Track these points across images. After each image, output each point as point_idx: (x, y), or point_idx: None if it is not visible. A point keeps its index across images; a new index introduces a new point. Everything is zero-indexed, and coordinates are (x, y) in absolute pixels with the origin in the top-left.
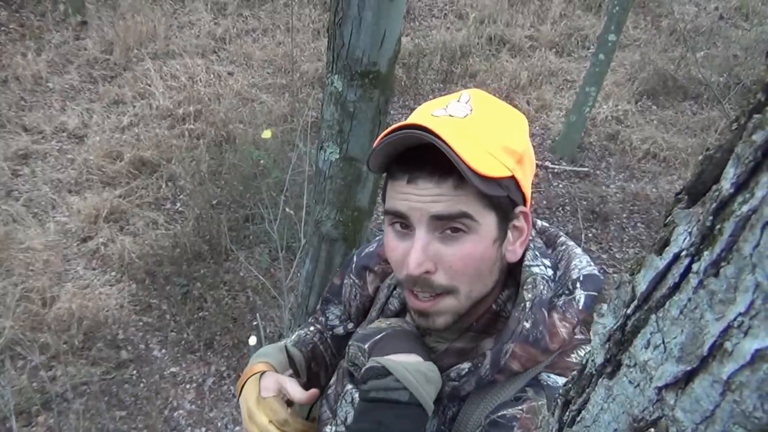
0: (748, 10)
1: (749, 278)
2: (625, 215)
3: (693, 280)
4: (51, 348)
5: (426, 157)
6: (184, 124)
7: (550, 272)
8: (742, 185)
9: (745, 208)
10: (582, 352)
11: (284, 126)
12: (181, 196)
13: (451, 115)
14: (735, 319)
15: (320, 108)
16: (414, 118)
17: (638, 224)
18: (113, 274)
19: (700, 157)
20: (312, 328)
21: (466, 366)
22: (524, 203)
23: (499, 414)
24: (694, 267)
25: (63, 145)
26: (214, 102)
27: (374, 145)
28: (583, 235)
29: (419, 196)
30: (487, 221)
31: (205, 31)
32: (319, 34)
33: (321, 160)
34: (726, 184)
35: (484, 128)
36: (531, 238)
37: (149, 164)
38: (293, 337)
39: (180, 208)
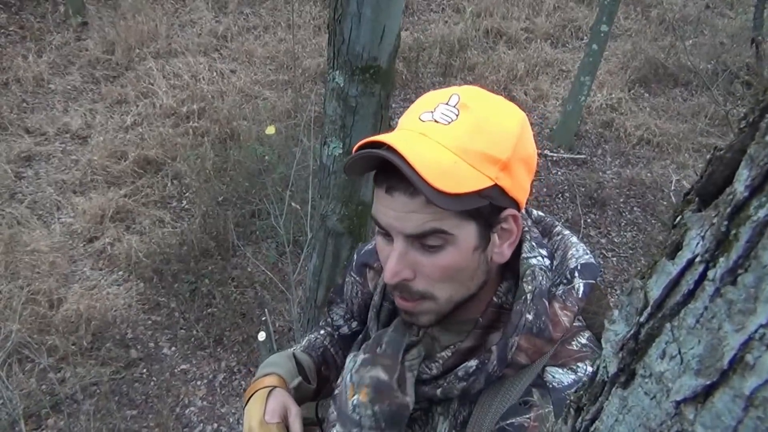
0: None
1: None
2: (621, 200)
3: (709, 287)
4: (59, 350)
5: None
6: (188, 122)
7: (547, 262)
8: (758, 188)
9: (761, 213)
10: (583, 339)
11: (287, 122)
12: (187, 194)
13: (436, 121)
14: (756, 331)
15: (323, 103)
16: (402, 120)
17: (635, 208)
18: (120, 273)
19: (709, 157)
20: (323, 332)
21: (473, 363)
22: (517, 205)
23: (508, 422)
24: (710, 274)
25: (66, 146)
26: (217, 99)
27: (351, 154)
28: (582, 221)
29: (395, 211)
30: (466, 232)
31: (207, 30)
32: (319, 30)
33: (325, 155)
34: (740, 187)
35: (466, 136)
36: (527, 228)
37: (154, 163)
38: (303, 342)
39: (186, 206)
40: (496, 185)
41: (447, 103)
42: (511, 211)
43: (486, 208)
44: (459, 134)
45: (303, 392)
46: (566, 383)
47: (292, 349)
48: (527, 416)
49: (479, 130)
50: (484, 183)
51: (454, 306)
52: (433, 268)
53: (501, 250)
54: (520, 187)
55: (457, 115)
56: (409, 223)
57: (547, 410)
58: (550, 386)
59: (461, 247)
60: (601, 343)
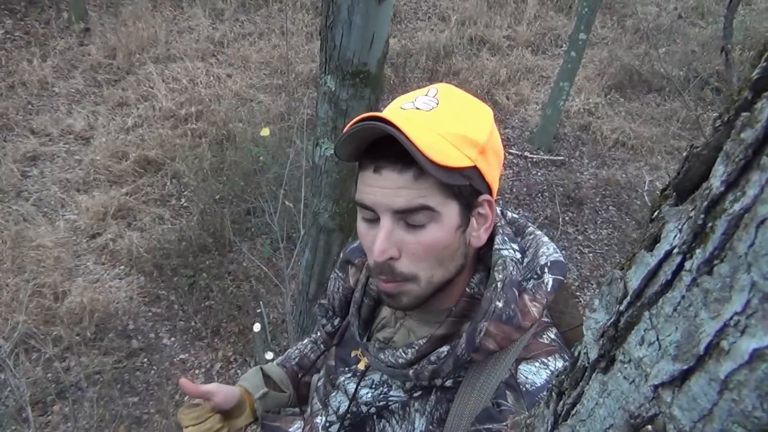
0: (703, 9)
1: (745, 277)
2: (598, 199)
3: (686, 277)
4: (64, 340)
5: (391, 148)
6: (187, 124)
7: (518, 255)
8: (733, 183)
9: (737, 207)
10: (551, 334)
11: (281, 124)
12: (186, 192)
13: (417, 108)
14: (731, 318)
15: (315, 106)
16: (384, 112)
17: (610, 207)
18: (122, 268)
19: (685, 154)
20: (306, 341)
21: (445, 349)
22: (490, 192)
23: (485, 426)
24: (687, 265)
25: (70, 146)
26: (214, 102)
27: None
28: (560, 219)
29: (383, 189)
30: (449, 210)
31: (204, 36)
32: (312, 36)
33: (317, 156)
34: (716, 182)
35: (447, 120)
36: (501, 226)
37: (154, 163)
38: (282, 356)
39: (185, 204)
40: (475, 166)
41: (426, 95)
42: (486, 196)
43: (467, 189)
44: (441, 119)
45: (272, 400)
46: (539, 384)
47: (260, 365)
48: (504, 423)
49: (459, 116)
50: (465, 162)
51: (434, 290)
52: (418, 246)
53: (478, 233)
54: (493, 174)
55: (437, 104)
56: (398, 199)
57: (522, 416)
58: (524, 389)
59: (445, 225)
60: (567, 342)
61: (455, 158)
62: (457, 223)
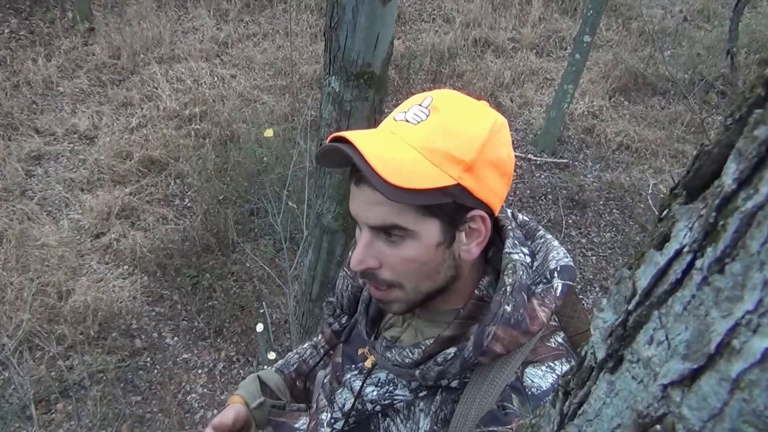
0: (709, 13)
1: (757, 275)
2: (601, 202)
3: (696, 276)
4: (68, 339)
5: None
6: (191, 125)
7: (528, 259)
8: (745, 181)
9: (749, 204)
10: (559, 338)
11: (285, 125)
12: (189, 193)
13: (407, 121)
14: (743, 317)
15: (319, 107)
16: (381, 123)
17: (614, 210)
18: (126, 267)
19: (696, 152)
20: (306, 345)
21: (452, 351)
22: (486, 206)
23: (489, 429)
24: (698, 263)
25: (74, 146)
26: (218, 103)
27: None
28: (564, 221)
29: (362, 202)
30: (427, 228)
31: (209, 36)
32: (316, 37)
33: None
34: (728, 180)
35: (431, 135)
36: (511, 228)
37: (158, 163)
38: (282, 360)
39: (188, 204)
40: (459, 185)
41: (420, 105)
42: (478, 212)
43: (449, 206)
44: (425, 134)
45: (268, 408)
46: (545, 388)
47: (257, 372)
48: (509, 426)
49: (444, 131)
50: (445, 181)
51: (425, 297)
52: (396, 260)
53: (468, 248)
54: (488, 189)
55: (427, 116)
56: (371, 215)
57: (527, 421)
58: (529, 393)
59: (423, 242)
60: (575, 346)
61: (432, 179)
62: (438, 240)
